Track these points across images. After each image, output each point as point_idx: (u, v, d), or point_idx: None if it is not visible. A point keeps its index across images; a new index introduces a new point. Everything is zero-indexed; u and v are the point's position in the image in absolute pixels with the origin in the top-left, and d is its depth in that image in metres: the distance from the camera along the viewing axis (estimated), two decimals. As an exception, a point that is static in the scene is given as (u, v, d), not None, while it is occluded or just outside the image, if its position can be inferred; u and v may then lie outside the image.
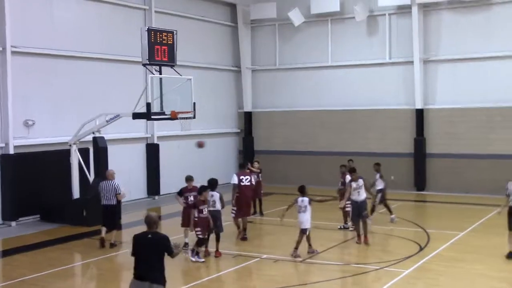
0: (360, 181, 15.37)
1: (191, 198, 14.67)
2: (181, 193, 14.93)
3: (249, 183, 16.33)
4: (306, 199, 14.13)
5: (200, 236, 13.93)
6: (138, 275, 8.53)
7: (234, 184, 16.16)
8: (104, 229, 15.49)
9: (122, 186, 15.76)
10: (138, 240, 8.70)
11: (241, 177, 16.28)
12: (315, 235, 16.17)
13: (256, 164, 19.28)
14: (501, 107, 23.20)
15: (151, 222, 8.67)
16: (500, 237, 14.45)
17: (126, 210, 19.82)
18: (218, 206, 14.24)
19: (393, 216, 17.77)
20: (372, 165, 18.14)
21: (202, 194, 13.91)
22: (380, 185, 17.75)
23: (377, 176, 17.82)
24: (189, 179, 15.01)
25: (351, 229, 16.53)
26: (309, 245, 14.27)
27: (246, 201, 16.39)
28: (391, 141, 25.37)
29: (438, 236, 15.97)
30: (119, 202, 15.79)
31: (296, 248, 13.94)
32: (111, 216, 15.54)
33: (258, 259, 13.93)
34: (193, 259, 13.83)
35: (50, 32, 19.90)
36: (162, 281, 8.53)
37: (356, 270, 12.96)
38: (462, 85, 24.09)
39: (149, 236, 8.60)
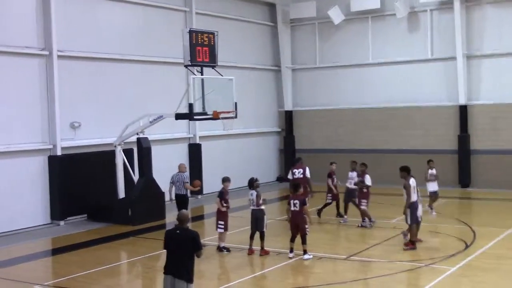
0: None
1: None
2: (222, 195, 14.61)
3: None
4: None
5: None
6: (166, 269, 8.81)
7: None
8: None
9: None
10: (168, 235, 9.00)
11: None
12: (358, 232, 16.21)
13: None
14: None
15: (182, 218, 8.93)
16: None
17: (169, 209, 20.06)
18: (256, 205, 14.35)
19: (345, 217, 17.81)
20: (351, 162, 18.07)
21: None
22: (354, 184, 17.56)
23: (354, 174, 17.62)
24: (226, 180, 14.74)
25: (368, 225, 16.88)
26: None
27: None
28: (434, 138, 25.08)
29: (484, 234, 15.74)
30: (187, 191, 17.21)
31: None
32: (181, 204, 16.73)
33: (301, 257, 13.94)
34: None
35: (94, 35, 20.32)
36: (187, 277, 8.68)
37: (401, 268, 12.88)
38: (505, 80, 23.66)
39: (178, 231, 8.84)
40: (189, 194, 17.32)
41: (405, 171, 14.59)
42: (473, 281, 11.94)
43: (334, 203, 18.44)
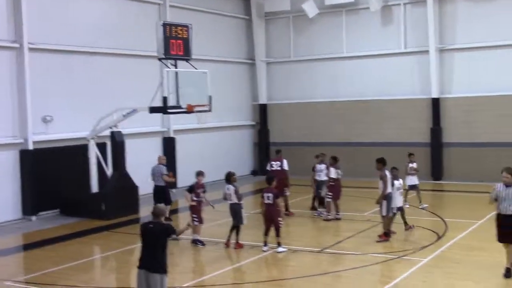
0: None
1: (202, 194, 14.66)
2: (192, 189, 14.59)
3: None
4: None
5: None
6: (139, 263, 8.82)
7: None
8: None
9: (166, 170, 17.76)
10: (142, 229, 9.02)
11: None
12: (332, 225, 16.34)
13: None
14: (517, 94, 23.13)
15: (156, 213, 8.95)
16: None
17: (143, 203, 19.98)
18: (234, 199, 14.34)
19: (319, 210, 17.96)
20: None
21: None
22: (324, 176, 17.64)
23: (322, 166, 17.76)
24: (200, 174, 14.74)
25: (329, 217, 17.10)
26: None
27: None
28: (407, 131, 25.31)
29: (456, 225, 15.96)
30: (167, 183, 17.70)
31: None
32: (159, 196, 17.35)
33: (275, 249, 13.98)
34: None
35: (66, 28, 20.08)
36: (160, 270, 8.69)
37: (374, 260, 13.00)
38: (478, 73, 23.95)
39: (151, 225, 8.85)
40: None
41: (381, 163, 14.71)
42: (445, 272, 12.09)
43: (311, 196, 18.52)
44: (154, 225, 8.83)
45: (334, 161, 17.34)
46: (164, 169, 17.62)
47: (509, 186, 11.11)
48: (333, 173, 17.14)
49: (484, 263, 12.56)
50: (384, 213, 14.51)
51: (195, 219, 14.48)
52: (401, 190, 15.36)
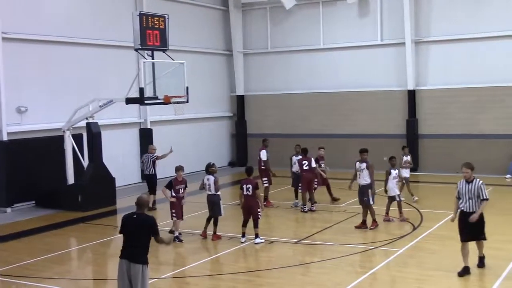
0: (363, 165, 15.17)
1: (182, 190, 14.45)
2: (171, 185, 14.28)
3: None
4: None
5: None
6: (121, 253, 8.78)
7: None
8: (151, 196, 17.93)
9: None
10: (124, 220, 8.95)
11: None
12: (309, 216, 16.43)
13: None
14: (490, 87, 23.40)
15: (140, 203, 8.92)
16: (490, 216, 14.59)
17: (120, 194, 19.91)
18: (212, 190, 14.32)
19: (296, 201, 18.10)
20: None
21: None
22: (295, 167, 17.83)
23: (297, 158, 17.90)
24: (179, 169, 14.45)
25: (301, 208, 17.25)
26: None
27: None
28: (383, 123, 25.52)
29: (431, 216, 16.17)
30: (155, 171, 18.40)
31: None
32: (149, 183, 18.40)
33: (253, 241, 14.03)
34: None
35: (40, 18, 19.82)
36: (141, 260, 8.66)
37: (351, 250, 13.12)
38: (453, 66, 24.21)
39: (134, 216, 8.84)
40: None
41: (367, 152, 15.03)
42: (420, 262, 12.25)
43: (324, 188, 18.43)
44: (138, 216, 8.82)
45: (302, 153, 17.53)
46: (153, 157, 18.31)
47: (470, 182, 10.92)
48: (296, 165, 17.52)
49: (458, 252, 12.71)
50: (371, 202, 14.88)
51: (174, 214, 14.35)
52: (397, 179, 15.76)
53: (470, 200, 10.91)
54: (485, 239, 11.27)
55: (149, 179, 18.46)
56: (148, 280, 8.88)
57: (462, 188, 11.00)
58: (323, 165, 18.42)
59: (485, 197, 10.87)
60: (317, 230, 15.06)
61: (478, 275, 11.29)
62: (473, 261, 11.43)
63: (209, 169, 14.45)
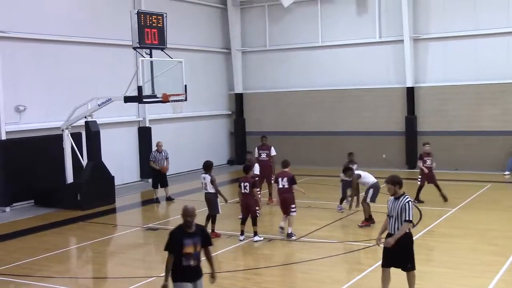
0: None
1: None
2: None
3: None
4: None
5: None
6: (184, 277, 8.30)
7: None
8: (156, 191, 19.16)
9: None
10: (177, 235, 8.35)
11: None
12: (306, 213, 16.41)
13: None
14: (489, 83, 23.38)
15: (189, 213, 8.39)
16: (489, 212, 14.67)
17: (119, 193, 19.91)
18: (209, 188, 14.33)
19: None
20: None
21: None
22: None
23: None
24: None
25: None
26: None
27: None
28: (382, 120, 25.50)
29: (430, 213, 16.17)
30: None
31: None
32: (162, 178, 19.16)
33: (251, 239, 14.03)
34: None
35: (38, 16, 19.77)
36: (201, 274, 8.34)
37: (349, 248, 13.12)
38: (452, 62, 24.19)
39: (190, 231, 8.28)
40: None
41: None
42: (419, 259, 12.11)
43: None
44: (197, 230, 8.24)
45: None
46: (166, 153, 19.42)
47: (397, 198, 9.34)
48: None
49: (458, 250, 12.75)
50: (368, 200, 14.98)
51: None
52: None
53: (395, 220, 9.22)
54: (413, 268, 9.49)
55: (159, 175, 19.11)
56: None
57: (390, 204, 9.39)
58: (428, 162, 17.72)
59: (408, 218, 9.11)
60: (316, 228, 15.04)
61: (478, 271, 11.29)
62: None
63: (206, 167, 14.44)
